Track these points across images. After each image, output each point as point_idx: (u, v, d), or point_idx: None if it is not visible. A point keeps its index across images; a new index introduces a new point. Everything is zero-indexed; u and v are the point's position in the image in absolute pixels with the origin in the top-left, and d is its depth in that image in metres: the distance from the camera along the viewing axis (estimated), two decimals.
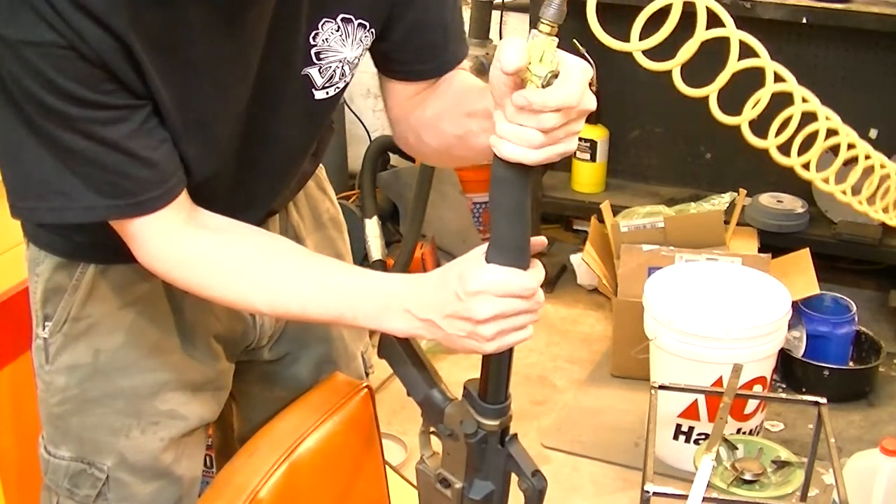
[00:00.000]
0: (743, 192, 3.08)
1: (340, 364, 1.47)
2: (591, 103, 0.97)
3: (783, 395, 2.67)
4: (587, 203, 3.37)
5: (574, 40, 2.94)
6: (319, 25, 1.14)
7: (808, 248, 2.91)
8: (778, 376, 2.81)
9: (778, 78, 1.24)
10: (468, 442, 1.14)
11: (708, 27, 1.12)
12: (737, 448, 2.01)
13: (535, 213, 3.24)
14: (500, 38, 3.50)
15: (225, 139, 1.15)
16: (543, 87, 0.94)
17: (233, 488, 1.22)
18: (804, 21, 2.93)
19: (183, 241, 1.11)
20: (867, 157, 1.40)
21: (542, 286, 1.07)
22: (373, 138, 3.72)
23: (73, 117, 1.00)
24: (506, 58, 0.92)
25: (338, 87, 1.21)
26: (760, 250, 2.99)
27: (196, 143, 1.11)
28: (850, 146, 1.37)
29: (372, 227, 3.43)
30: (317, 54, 1.16)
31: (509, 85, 0.95)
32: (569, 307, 3.29)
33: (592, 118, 3.39)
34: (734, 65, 1.17)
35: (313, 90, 1.18)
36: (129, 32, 0.98)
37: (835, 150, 1.35)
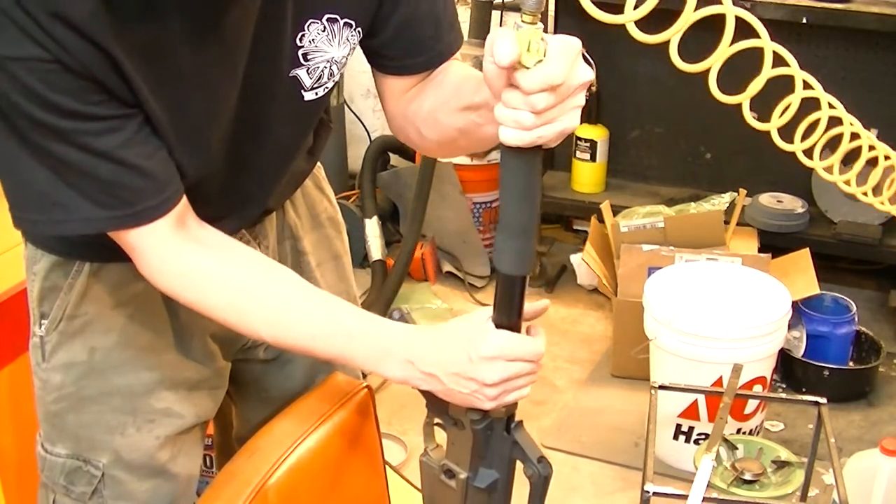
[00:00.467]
0: (743, 192, 3.08)
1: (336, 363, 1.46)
2: (583, 75, 0.96)
3: (783, 395, 2.67)
4: (587, 203, 3.36)
5: None
6: (305, 26, 1.14)
7: (808, 248, 2.91)
8: (778, 376, 2.81)
9: (806, 85, 1.27)
10: (474, 429, 1.14)
11: (735, 35, 1.15)
12: (737, 448, 2.01)
13: None
14: None
15: (216, 142, 1.15)
16: None
17: (237, 482, 1.21)
18: (804, 21, 2.93)
19: (183, 255, 1.11)
20: (886, 158, 1.43)
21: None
22: (373, 138, 3.72)
23: (64, 130, 1.00)
24: (499, 52, 0.92)
25: (326, 87, 1.21)
26: (760, 250, 2.99)
27: (188, 148, 1.11)
28: (871, 147, 1.40)
29: (372, 227, 3.44)
30: (304, 55, 1.15)
31: (504, 77, 0.95)
32: (569, 307, 3.28)
33: (592, 118, 3.40)
34: (768, 72, 1.19)
35: (302, 91, 1.18)
36: (112, 43, 0.98)
37: (856, 151, 1.39)
